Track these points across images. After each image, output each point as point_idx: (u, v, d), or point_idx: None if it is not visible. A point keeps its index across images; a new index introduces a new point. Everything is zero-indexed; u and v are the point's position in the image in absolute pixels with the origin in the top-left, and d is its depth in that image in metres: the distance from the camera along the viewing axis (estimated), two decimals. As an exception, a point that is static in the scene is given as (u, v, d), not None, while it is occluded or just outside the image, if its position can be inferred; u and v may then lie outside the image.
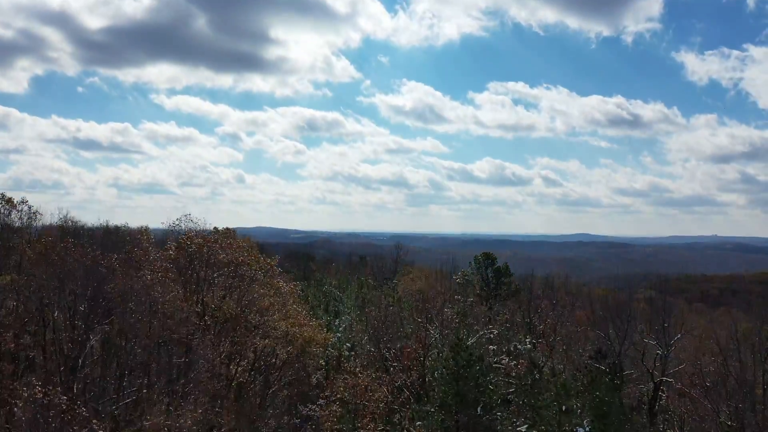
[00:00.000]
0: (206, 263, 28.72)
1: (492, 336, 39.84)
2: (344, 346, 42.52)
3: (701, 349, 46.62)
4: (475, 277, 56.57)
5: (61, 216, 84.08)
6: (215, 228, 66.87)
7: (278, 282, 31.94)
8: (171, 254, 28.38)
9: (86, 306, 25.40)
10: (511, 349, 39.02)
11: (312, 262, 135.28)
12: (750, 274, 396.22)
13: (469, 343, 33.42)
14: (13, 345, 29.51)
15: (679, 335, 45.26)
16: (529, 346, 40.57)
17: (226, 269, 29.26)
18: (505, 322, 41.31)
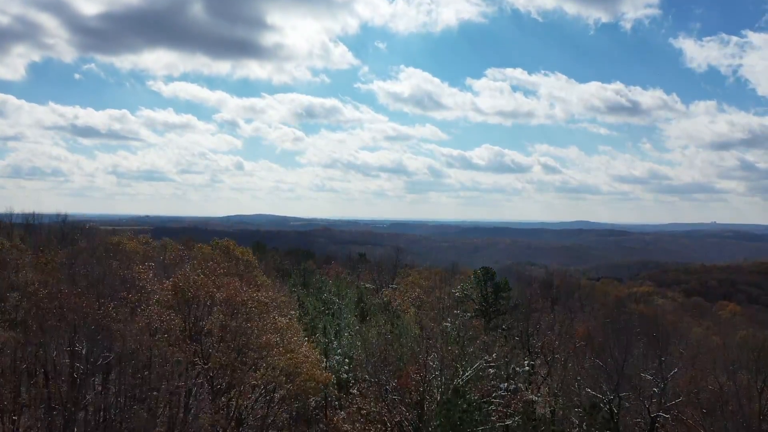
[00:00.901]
0: (203, 306, 28.64)
1: (491, 359, 39.94)
2: (343, 369, 42.69)
3: (697, 376, 46.38)
4: (475, 291, 56.67)
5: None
6: (215, 240, 66.86)
7: (276, 318, 31.79)
8: (169, 299, 28.29)
9: (85, 366, 25.40)
10: (510, 372, 39.14)
11: (312, 260, 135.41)
12: (749, 263, 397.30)
13: (467, 375, 33.56)
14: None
15: (676, 369, 45.13)
16: (527, 368, 40.68)
17: (223, 308, 29.17)
18: (503, 344, 41.36)
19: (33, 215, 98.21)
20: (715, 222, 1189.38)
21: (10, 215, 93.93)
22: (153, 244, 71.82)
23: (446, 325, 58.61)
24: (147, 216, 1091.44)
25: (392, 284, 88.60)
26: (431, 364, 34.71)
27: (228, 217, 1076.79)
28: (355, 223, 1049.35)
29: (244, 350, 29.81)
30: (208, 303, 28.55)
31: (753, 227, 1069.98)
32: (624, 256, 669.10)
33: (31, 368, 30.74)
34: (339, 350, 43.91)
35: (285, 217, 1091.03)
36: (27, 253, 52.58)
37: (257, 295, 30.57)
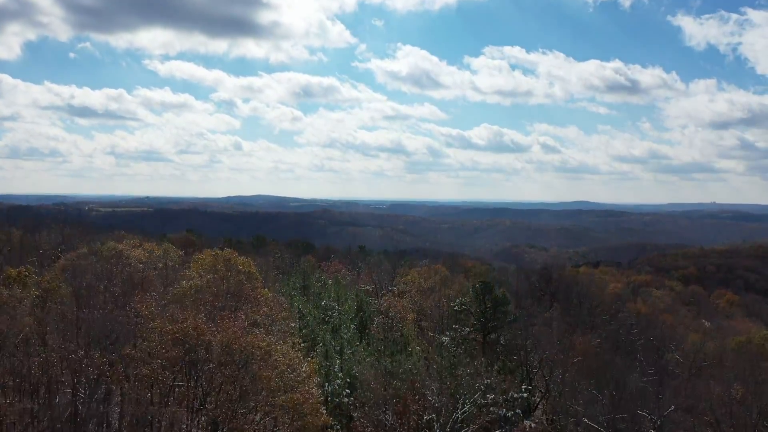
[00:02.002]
0: (202, 355, 28.81)
1: (488, 383, 40.44)
2: (344, 392, 43.21)
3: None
4: (473, 304, 57.02)
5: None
6: (217, 250, 67.00)
7: (276, 358, 31.96)
8: (169, 352, 28.39)
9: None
10: (508, 398, 39.67)
11: (311, 253, 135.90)
12: (747, 246, 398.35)
13: (466, 409, 34.06)
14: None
15: (672, 407, 45.32)
16: (525, 394, 41.21)
17: (223, 356, 29.35)
18: (501, 369, 41.84)
19: None
20: (714, 202, 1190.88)
21: None
22: (157, 251, 72.01)
23: (444, 339, 59.22)
24: (147, 197, 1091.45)
25: (391, 285, 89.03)
26: (430, 398, 35.20)
27: (227, 198, 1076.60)
28: (354, 203, 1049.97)
29: (245, 395, 30.14)
30: (205, 352, 28.75)
31: (752, 207, 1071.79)
32: (623, 237, 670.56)
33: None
34: (340, 374, 44.37)
35: (284, 197, 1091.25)
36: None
37: (257, 341, 30.73)
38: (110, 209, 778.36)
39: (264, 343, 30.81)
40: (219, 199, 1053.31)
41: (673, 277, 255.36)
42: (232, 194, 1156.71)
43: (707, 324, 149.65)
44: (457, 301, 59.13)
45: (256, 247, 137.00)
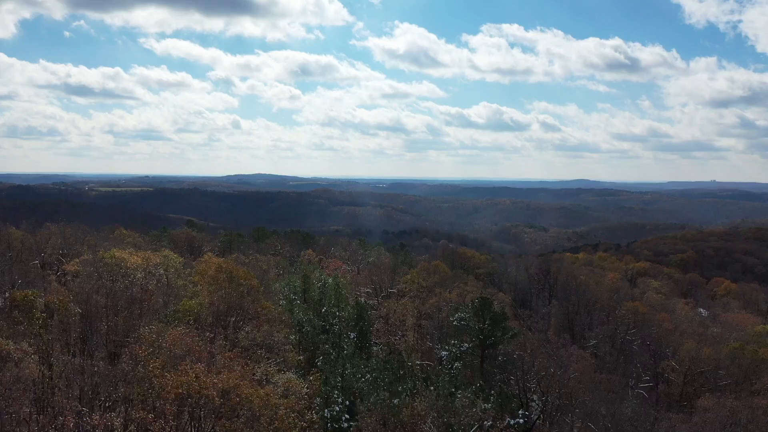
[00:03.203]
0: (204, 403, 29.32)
1: (486, 409, 41.27)
2: (343, 417, 44.07)
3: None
4: (472, 320, 57.69)
5: None
6: (219, 260, 67.40)
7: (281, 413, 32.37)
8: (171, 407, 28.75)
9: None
10: (506, 424, 40.51)
11: (311, 246, 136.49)
12: (746, 229, 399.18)
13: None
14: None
15: None
16: (521, 420, 42.07)
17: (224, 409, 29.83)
18: (497, 397, 42.59)
19: None
20: (714, 180, 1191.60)
21: None
22: (154, 260, 72.39)
23: (444, 354, 60.07)
24: (146, 176, 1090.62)
25: (391, 288, 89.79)
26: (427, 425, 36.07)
27: (227, 177, 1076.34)
28: (354, 182, 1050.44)
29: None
30: (205, 403, 29.24)
31: (752, 185, 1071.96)
32: (622, 217, 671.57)
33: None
34: (339, 399, 45.18)
35: (284, 176, 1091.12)
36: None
37: (259, 391, 31.22)
38: (110, 189, 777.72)
39: (262, 392, 31.37)
40: (219, 177, 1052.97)
41: (672, 262, 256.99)
42: (232, 173, 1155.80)
43: (704, 313, 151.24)
44: (456, 316, 59.88)
45: (257, 240, 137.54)
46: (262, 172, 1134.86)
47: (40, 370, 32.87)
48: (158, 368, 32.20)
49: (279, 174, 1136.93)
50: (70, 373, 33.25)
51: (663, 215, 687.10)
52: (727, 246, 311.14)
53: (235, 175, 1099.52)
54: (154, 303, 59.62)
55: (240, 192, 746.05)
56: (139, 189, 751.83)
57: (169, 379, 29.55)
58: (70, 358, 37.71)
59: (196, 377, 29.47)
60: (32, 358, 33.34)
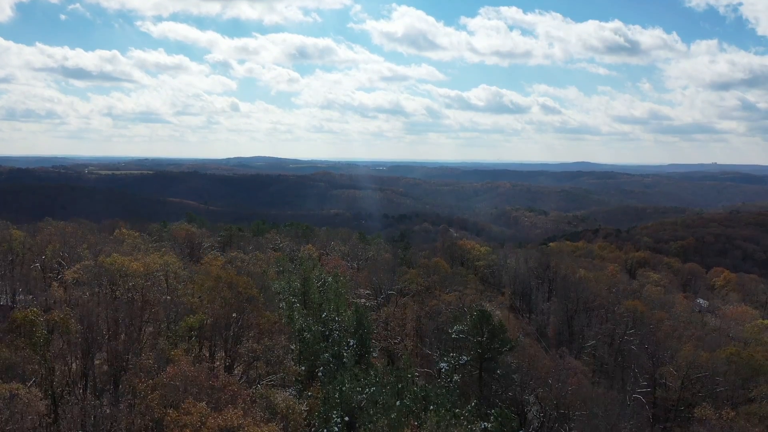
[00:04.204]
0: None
1: (486, 428, 41.67)
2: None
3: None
4: (471, 333, 57.86)
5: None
6: (218, 274, 67.36)
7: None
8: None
9: None
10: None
11: (310, 242, 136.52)
12: (746, 214, 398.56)
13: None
14: None
15: None
16: (520, 439, 42.45)
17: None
18: (496, 417, 42.88)
19: None
20: (715, 163, 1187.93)
21: None
22: (154, 266, 72.37)
23: (443, 366, 60.36)
24: (145, 158, 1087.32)
25: (390, 289, 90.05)
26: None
27: (227, 160, 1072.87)
28: (354, 165, 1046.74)
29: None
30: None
31: (753, 168, 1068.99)
32: (622, 200, 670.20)
33: None
34: (338, 419, 45.54)
35: (284, 159, 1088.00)
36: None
37: (263, 429, 31.38)
38: (109, 172, 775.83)
39: (267, 430, 31.61)
40: (218, 160, 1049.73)
41: (672, 250, 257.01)
42: (232, 155, 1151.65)
43: (703, 304, 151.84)
44: (455, 329, 60.07)
45: (256, 235, 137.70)
46: (262, 155, 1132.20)
47: (45, 407, 33.08)
48: (158, 403, 32.39)
49: (278, 156, 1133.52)
50: (73, 410, 33.49)
51: (664, 198, 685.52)
52: (728, 232, 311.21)
53: (235, 158, 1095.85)
54: (156, 314, 59.90)
55: (239, 175, 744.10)
56: (139, 172, 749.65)
57: (171, 418, 29.75)
58: (71, 387, 37.96)
59: (201, 420, 29.65)
60: (35, 393, 33.49)
